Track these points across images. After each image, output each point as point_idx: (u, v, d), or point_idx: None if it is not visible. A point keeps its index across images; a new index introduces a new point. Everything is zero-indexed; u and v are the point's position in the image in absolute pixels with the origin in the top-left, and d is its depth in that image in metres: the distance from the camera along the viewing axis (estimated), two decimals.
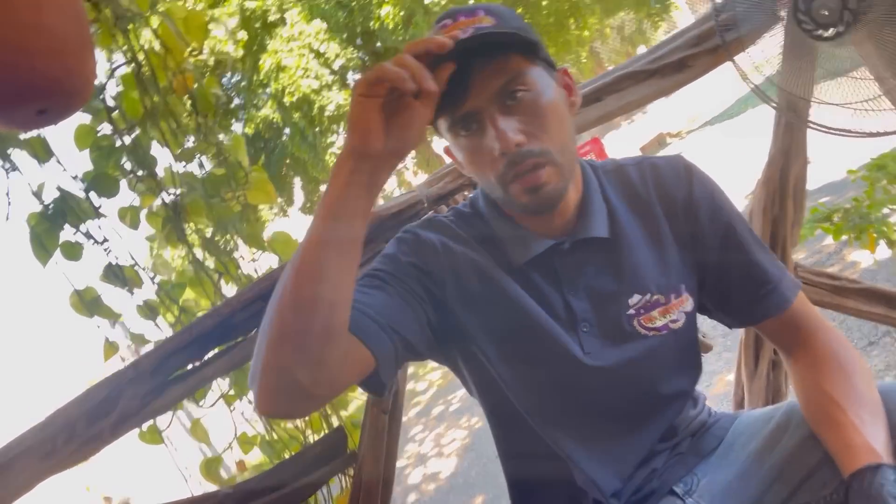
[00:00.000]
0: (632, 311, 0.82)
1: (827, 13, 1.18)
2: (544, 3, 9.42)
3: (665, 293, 0.83)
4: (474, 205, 0.90)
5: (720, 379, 2.72)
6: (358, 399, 1.66)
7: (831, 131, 1.34)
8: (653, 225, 0.85)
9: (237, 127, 9.01)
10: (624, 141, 12.33)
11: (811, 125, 1.40)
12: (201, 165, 1.39)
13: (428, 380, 6.08)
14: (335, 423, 1.56)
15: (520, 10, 9.70)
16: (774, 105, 1.46)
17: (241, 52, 7.68)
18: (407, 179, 12.10)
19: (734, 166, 5.16)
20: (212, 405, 1.46)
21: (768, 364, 1.60)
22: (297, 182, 10.26)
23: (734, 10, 1.33)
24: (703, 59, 1.39)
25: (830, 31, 1.15)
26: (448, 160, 0.90)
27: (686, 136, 11.08)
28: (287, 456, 1.47)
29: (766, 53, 1.37)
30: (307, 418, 1.57)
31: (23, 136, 1.35)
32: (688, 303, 0.84)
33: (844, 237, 2.04)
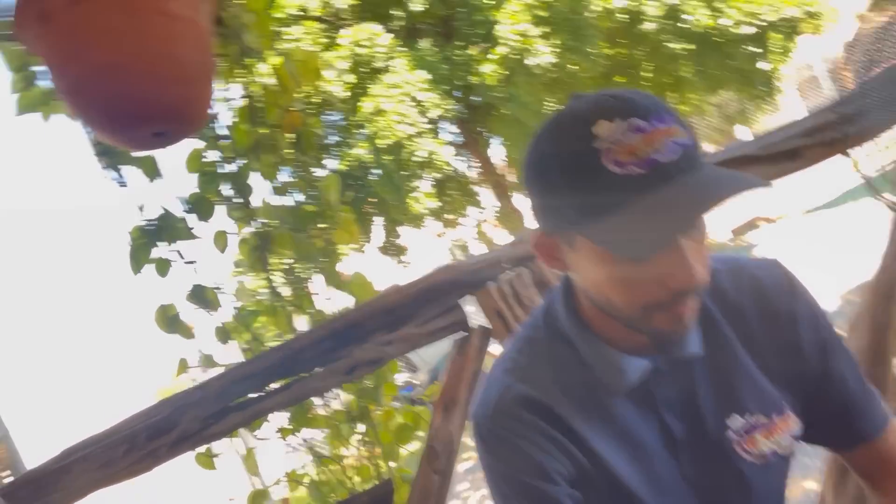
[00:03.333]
0: (731, 434, 0.75)
1: None
2: (647, 75, 9.41)
3: (766, 412, 0.76)
4: (552, 324, 0.79)
5: (797, 484, 2.51)
6: (408, 451, 1.62)
7: None
8: (749, 337, 0.78)
9: (328, 162, 9.37)
10: (716, 221, 11.96)
11: None
12: (294, 199, 1.43)
13: None
14: (384, 471, 1.53)
15: (620, 80, 9.72)
16: (891, 205, 1.37)
17: (345, 94, 8.05)
18: (484, 231, 12.14)
19: (827, 260, 4.91)
20: (266, 438, 1.46)
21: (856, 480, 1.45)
22: (378, 221, 10.49)
23: (857, 105, 1.27)
24: (816, 150, 1.33)
25: None
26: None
27: (779, 223, 10.65)
28: (333, 501, 1.45)
29: (885, 149, 1.30)
30: (356, 464, 1.54)
31: (136, 154, 1.44)
32: (793, 422, 0.77)
33: None
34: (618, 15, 8.57)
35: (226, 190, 1.51)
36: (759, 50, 8.50)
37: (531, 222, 0.81)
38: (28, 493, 1.27)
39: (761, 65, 8.66)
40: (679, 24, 8.39)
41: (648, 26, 8.60)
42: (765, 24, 8.23)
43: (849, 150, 1.32)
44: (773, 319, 0.78)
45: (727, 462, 0.75)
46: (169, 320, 1.41)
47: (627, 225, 0.62)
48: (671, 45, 8.68)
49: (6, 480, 1.24)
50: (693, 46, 8.51)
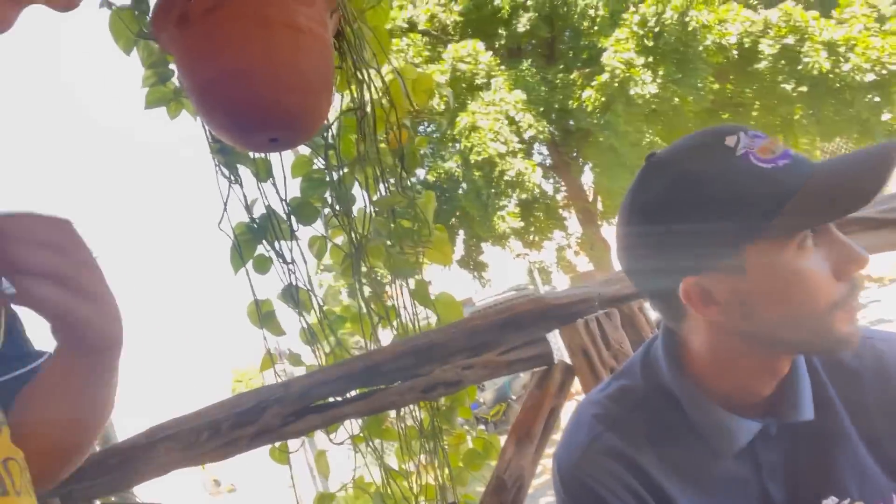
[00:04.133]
0: None
1: None
2: (754, 114, 9.03)
3: (868, 499, 0.70)
4: (651, 376, 0.76)
5: None
6: (475, 478, 1.60)
7: None
8: (862, 412, 0.72)
9: (420, 173, 9.53)
10: None
11: None
12: (392, 213, 1.45)
13: (542, 464, 5.82)
14: (449, 496, 1.52)
15: (726, 116, 9.38)
16: None
17: (442, 108, 8.17)
18: (567, 257, 11.95)
19: None
20: (341, 442, 1.49)
21: None
22: (461, 235, 10.56)
23: None
24: None
25: None
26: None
27: (889, 285, 9.94)
28: None
29: None
30: (422, 483, 1.54)
31: (251, 155, 1.50)
32: None
33: None
34: (731, 51, 8.28)
35: (327, 197, 1.56)
36: (881, 100, 7.98)
37: (615, 257, 0.76)
38: (116, 463, 1.34)
39: (884, 116, 8.11)
40: (796, 66, 8.00)
41: (762, 64, 8.26)
42: (887, 73, 7.72)
43: None
44: (892, 397, 0.71)
45: None
46: (263, 316, 1.46)
47: (814, 199, 0.61)
48: (784, 86, 8.30)
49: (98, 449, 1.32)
50: (806, 89, 8.10)
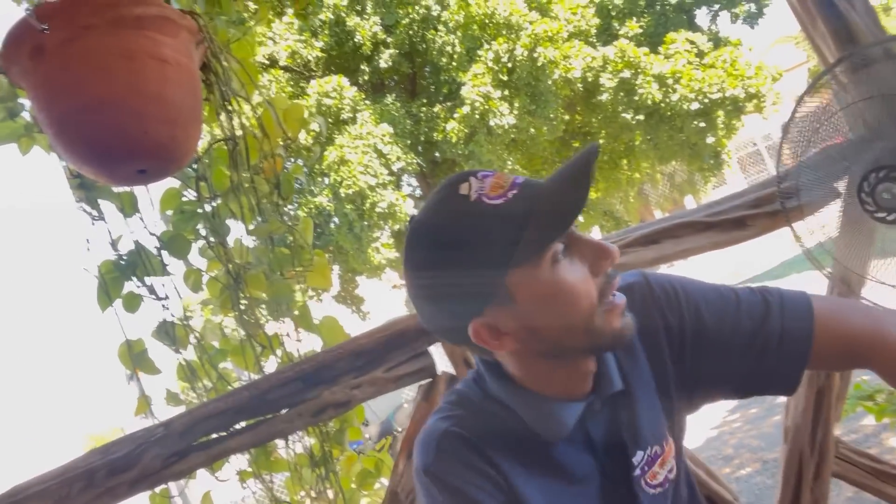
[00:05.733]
0: (637, 472, 0.77)
1: (889, 197, 1.23)
2: (601, 141, 9.83)
3: (660, 442, 0.79)
4: (483, 387, 0.80)
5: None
6: (367, 498, 1.62)
7: None
8: (634, 361, 0.80)
9: (289, 208, 9.36)
10: None
11: (864, 301, 1.41)
12: (271, 241, 1.46)
13: None
14: None
15: (576, 145, 10.13)
16: (827, 274, 1.48)
17: (310, 142, 8.13)
18: None
19: None
20: (226, 480, 1.44)
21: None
22: (336, 269, 10.45)
23: (796, 181, 1.38)
24: (761, 220, 1.44)
25: (893, 216, 1.19)
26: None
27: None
28: None
29: (823, 223, 1.41)
30: None
31: (115, 189, 1.45)
32: (671, 445, 0.80)
33: (886, 420, 1.98)
34: (577, 84, 9.00)
35: (200, 229, 1.54)
36: (706, 125, 9.04)
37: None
38: None
39: (709, 139, 9.18)
40: (633, 97, 8.87)
41: (604, 97, 9.06)
42: (709, 102, 8.79)
43: (791, 223, 1.43)
44: (648, 331, 0.79)
45: (634, 501, 0.76)
46: (135, 356, 1.40)
47: (544, 219, 0.67)
48: (624, 115, 9.15)
49: None
50: (643, 117, 8.99)
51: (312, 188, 9.28)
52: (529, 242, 0.68)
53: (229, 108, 1.46)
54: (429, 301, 0.74)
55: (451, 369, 1.41)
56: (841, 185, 1.35)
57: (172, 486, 1.47)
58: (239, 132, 1.45)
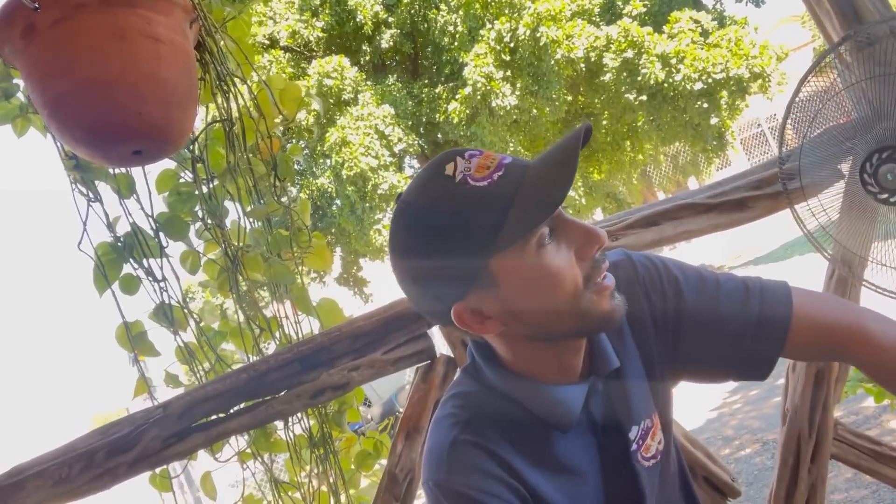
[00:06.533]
0: (634, 447, 0.77)
1: (892, 178, 1.21)
2: (604, 122, 9.76)
3: (650, 415, 0.79)
4: (482, 381, 0.78)
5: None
6: (367, 479, 1.63)
7: (885, 293, 1.34)
8: (620, 337, 0.79)
9: (292, 190, 9.34)
10: None
11: (865, 284, 1.40)
12: (269, 223, 1.45)
13: None
14: (343, 499, 1.53)
15: (579, 125, 10.05)
16: (828, 256, 1.47)
17: (311, 122, 8.09)
18: None
19: None
20: (226, 460, 1.45)
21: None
22: (338, 252, 10.46)
23: (798, 162, 1.37)
24: (763, 202, 1.43)
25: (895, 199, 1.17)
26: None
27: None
28: None
29: (825, 205, 1.40)
30: (314, 491, 1.54)
31: (112, 171, 1.44)
32: (659, 420, 0.81)
33: (886, 402, 1.98)
34: (580, 64, 8.91)
35: (197, 211, 1.53)
36: (709, 106, 8.95)
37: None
38: None
39: (713, 120, 9.09)
40: (636, 78, 8.78)
41: (607, 77, 8.97)
42: (713, 82, 8.69)
43: (793, 205, 1.42)
44: (632, 309, 0.77)
45: (633, 477, 0.77)
46: (133, 338, 1.40)
47: (528, 203, 0.65)
48: (627, 96, 9.07)
49: None
50: (645, 98, 8.90)
51: (314, 170, 9.25)
52: (512, 227, 0.66)
53: (225, 88, 1.44)
54: (412, 284, 0.73)
55: (449, 352, 1.41)
56: (844, 167, 1.34)
57: (177, 466, 1.48)
58: (235, 113, 1.44)
